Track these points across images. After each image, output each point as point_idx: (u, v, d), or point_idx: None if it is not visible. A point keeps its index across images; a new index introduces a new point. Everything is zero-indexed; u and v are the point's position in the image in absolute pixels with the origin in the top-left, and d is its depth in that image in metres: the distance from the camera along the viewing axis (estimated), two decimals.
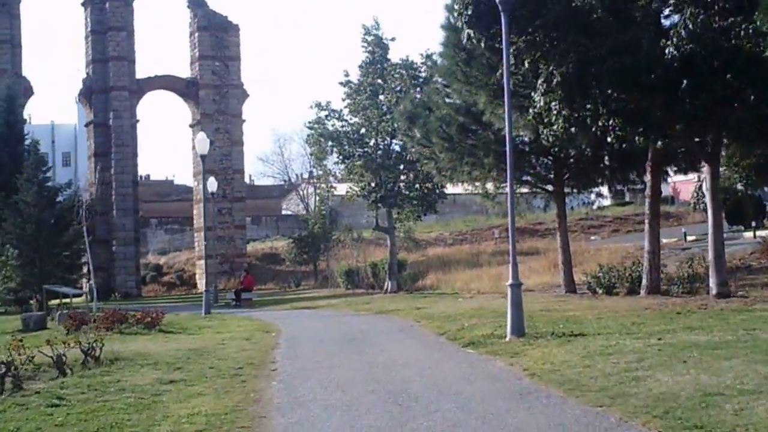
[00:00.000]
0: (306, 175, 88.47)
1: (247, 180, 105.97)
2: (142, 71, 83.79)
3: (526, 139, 39.14)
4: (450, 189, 55.67)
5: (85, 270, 65.95)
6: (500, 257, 63.85)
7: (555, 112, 28.41)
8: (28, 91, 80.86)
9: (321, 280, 69.76)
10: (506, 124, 24.33)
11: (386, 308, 39.01)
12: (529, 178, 41.82)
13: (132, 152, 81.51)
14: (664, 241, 52.09)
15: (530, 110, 30.33)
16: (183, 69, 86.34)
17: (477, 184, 42.56)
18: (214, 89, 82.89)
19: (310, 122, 53.45)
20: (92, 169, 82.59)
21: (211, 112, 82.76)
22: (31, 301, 48.09)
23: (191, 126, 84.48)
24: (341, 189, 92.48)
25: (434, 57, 43.79)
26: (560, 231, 41.03)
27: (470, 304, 38.30)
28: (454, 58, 36.36)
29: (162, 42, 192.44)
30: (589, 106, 28.24)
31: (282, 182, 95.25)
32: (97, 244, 78.67)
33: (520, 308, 23.55)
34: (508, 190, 25.33)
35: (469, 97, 37.65)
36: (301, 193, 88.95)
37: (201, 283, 77.68)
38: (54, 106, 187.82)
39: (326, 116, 53.08)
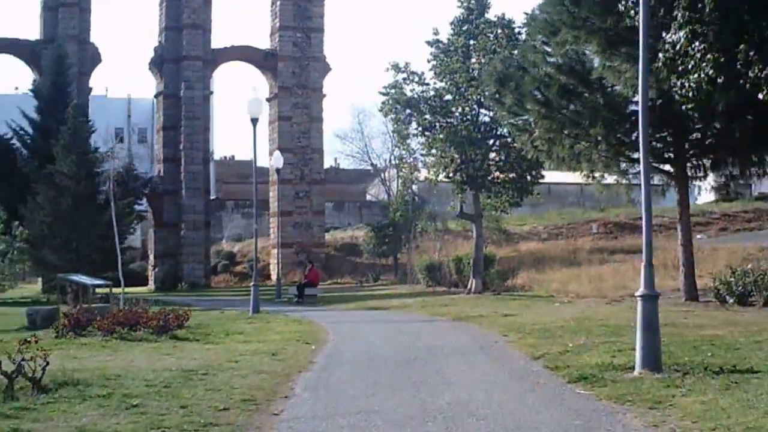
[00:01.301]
0: (387, 156, 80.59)
1: (332, 163, 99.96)
2: (217, 41, 77.55)
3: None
4: (546, 175, 47.57)
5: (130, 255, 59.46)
6: (599, 255, 56.57)
7: (698, 53, 20.34)
8: (95, 58, 74.85)
9: (401, 276, 62.06)
10: (640, 68, 16.28)
11: (467, 314, 31.38)
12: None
13: (203, 126, 74.99)
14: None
15: (660, 55, 22.30)
16: (261, 40, 79.27)
17: (580, 161, 34.33)
18: (294, 61, 76.03)
19: (385, 87, 45.87)
20: (161, 144, 76.11)
21: (290, 85, 75.86)
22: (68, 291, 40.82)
23: (268, 100, 77.17)
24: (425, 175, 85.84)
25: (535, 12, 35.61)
26: (681, 224, 32.86)
27: (570, 311, 30.72)
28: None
29: (240, 11, 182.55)
30: (741, 46, 20.24)
31: (368, 166, 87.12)
32: (164, 227, 73.08)
33: (656, 332, 15.85)
34: (641, 165, 17.22)
35: (576, 48, 29.88)
36: (382, 175, 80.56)
37: (275, 275, 70.68)
38: (132, 79, 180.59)
39: (404, 80, 45.44)
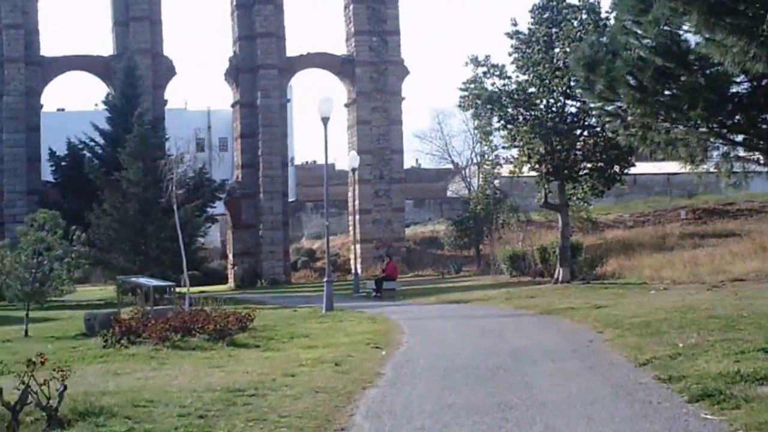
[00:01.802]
0: (468, 153, 77.27)
1: (413, 163, 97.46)
2: (292, 49, 74.66)
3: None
4: (633, 167, 44.07)
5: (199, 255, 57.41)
6: (690, 240, 53.26)
7: None
8: (170, 71, 72.56)
9: (483, 266, 58.81)
10: None
11: (555, 306, 28.15)
12: (743, 138, 30.16)
13: (281, 133, 72.32)
14: None
15: None
16: (337, 46, 76.64)
17: (677, 146, 30.87)
18: (371, 66, 72.87)
19: (464, 83, 42.13)
20: (239, 151, 73.82)
21: (368, 90, 72.75)
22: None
23: (346, 105, 74.87)
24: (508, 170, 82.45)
25: None
26: None
27: (668, 299, 27.52)
28: None
29: (314, 17, 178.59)
30: None
31: (448, 164, 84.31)
32: (243, 228, 71.24)
33: None
34: None
35: (671, 26, 26.41)
36: (463, 172, 77.50)
37: (358, 268, 68.16)
38: (211, 90, 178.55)
39: (485, 74, 41.88)
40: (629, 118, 30.36)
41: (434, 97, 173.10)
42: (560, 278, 39.53)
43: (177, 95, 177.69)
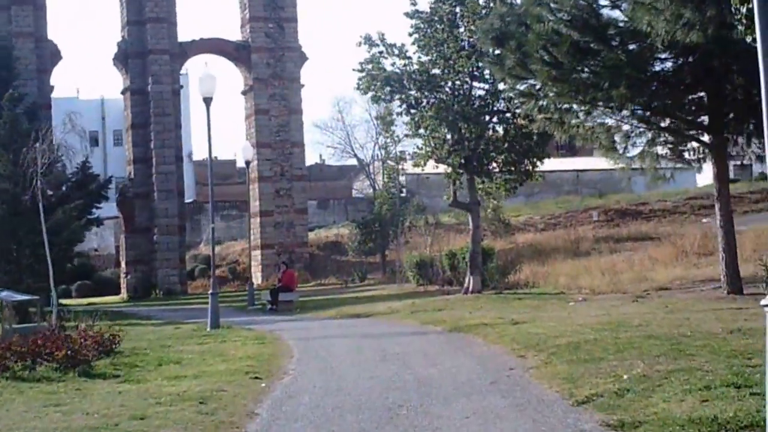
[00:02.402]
0: (372, 145, 73.08)
1: (316, 159, 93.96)
2: (186, 35, 71.24)
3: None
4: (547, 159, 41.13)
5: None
6: (606, 244, 50.42)
7: None
8: (55, 56, 68.12)
9: (389, 274, 55.59)
10: None
11: (466, 321, 25.02)
12: (674, 123, 27.38)
13: (174, 123, 68.21)
14: None
15: None
16: (233, 32, 72.93)
17: (599, 133, 27.94)
18: (268, 52, 69.51)
19: (361, 63, 38.55)
20: (130, 143, 69.57)
21: (265, 77, 69.30)
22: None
23: (243, 93, 71.45)
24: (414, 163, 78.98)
25: None
26: (720, 202, 26.54)
27: (592, 313, 24.74)
28: None
29: (209, 3, 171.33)
30: None
31: (351, 158, 79.93)
32: (137, 233, 67.17)
33: None
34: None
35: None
36: (367, 168, 73.40)
37: (257, 277, 64.89)
38: (104, 78, 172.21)
39: (381, 53, 38.49)
40: (542, 102, 27.61)
41: (336, 86, 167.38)
42: (471, 288, 36.46)
43: (69, 83, 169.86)
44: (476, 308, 29.63)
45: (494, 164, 38.34)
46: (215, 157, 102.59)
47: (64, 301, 66.58)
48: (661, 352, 15.23)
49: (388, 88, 37.80)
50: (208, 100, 30.71)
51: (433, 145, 37.85)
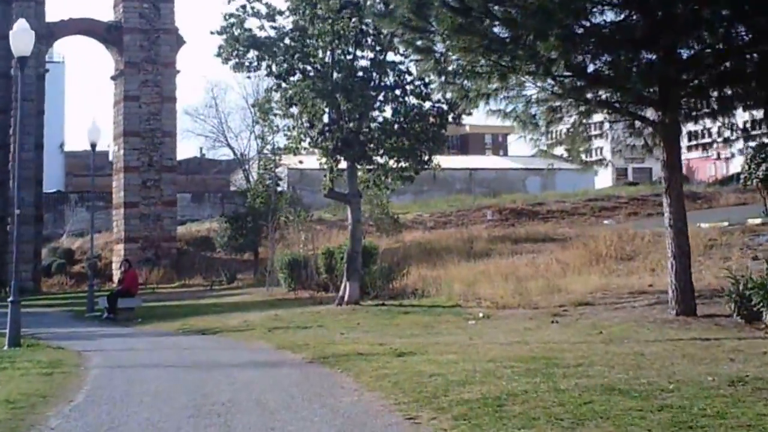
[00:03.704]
0: (248, 134, 65.08)
1: (194, 151, 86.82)
2: (54, 15, 63.08)
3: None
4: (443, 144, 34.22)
5: None
6: (501, 244, 44.53)
7: None
8: None
9: (261, 275, 48.26)
10: None
11: (335, 347, 18.30)
12: (615, 98, 20.71)
13: (36, 109, 60.22)
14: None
15: None
16: (105, 12, 65.25)
17: (516, 102, 21.19)
18: (142, 34, 62.04)
19: (223, 25, 30.59)
20: None
21: (138, 60, 61.87)
22: None
23: (113, 78, 63.91)
24: (305, 160, 71.24)
25: None
26: (670, 196, 19.92)
27: (501, 338, 18.74)
28: None
29: None
30: None
31: (223, 146, 71.52)
32: None
33: None
34: None
35: None
36: (241, 158, 65.26)
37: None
38: None
39: (244, 10, 31.15)
40: (446, 59, 21.09)
41: (211, 71, 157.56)
42: (347, 297, 29.48)
43: None
44: (351, 326, 23.07)
45: (381, 150, 31.33)
46: (85, 150, 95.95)
47: None
48: (649, 426, 8.71)
49: (254, 53, 30.67)
50: (22, 62, 24.00)
51: (306, 124, 30.74)
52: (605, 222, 55.74)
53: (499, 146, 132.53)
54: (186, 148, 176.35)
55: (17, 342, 21.66)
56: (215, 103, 66.39)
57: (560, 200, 65.26)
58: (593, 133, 23.19)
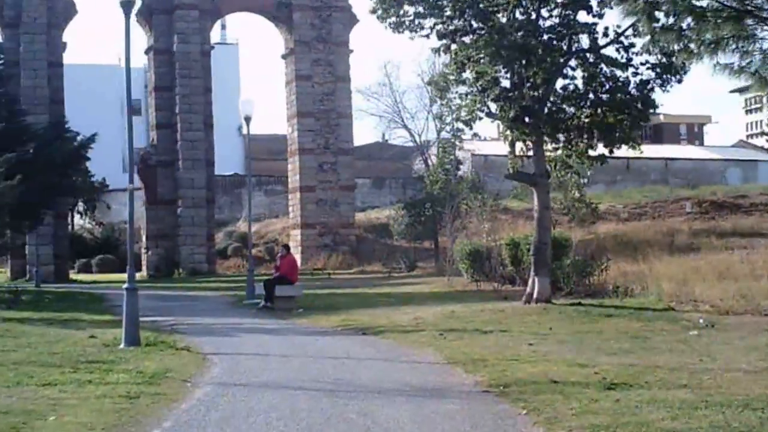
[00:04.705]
0: (425, 115, 59.93)
1: (369, 136, 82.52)
2: None
3: None
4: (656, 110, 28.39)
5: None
6: (706, 239, 39.53)
7: None
8: (70, 10, 57.56)
9: (442, 264, 43.53)
10: None
11: (521, 369, 13.44)
12: None
13: (203, 86, 57.04)
14: None
15: None
16: None
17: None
18: (313, 11, 58.29)
19: None
20: (153, 108, 58.55)
21: (309, 39, 58.09)
22: None
23: (283, 57, 60.33)
24: (486, 147, 66.12)
25: None
26: None
27: (740, 361, 14.36)
28: None
29: None
30: None
31: (398, 128, 65.98)
32: (160, 205, 56.43)
33: None
34: None
35: None
36: (418, 140, 60.16)
37: (297, 259, 54.35)
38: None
39: None
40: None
41: (388, 53, 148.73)
42: (535, 293, 24.38)
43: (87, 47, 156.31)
44: (541, 332, 18.23)
45: (571, 124, 25.98)
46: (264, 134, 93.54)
47: (79, 277, 57.20)
48: None
49: (413, 9, 25.64)
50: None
51: (481, 90, 25.46)
52: None
53: (695, 137, 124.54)
54: (360, 132, 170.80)
55: (135, 340, 17.62)
56: (389, 81, 61.62)
57: (765, 192, 58.74)
58: None
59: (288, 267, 28.67)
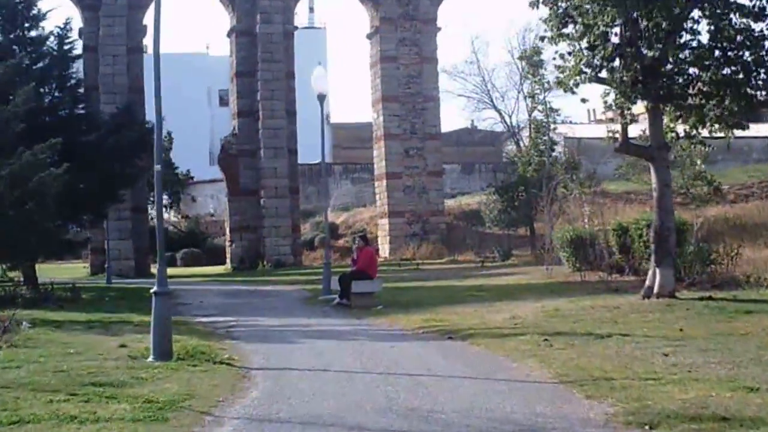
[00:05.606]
0: (516, 94, 55.43)
1: (456, 119, 78.78)
2: None
3: None
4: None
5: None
6: None
7: None
8: None
9: (539, 252, 39.43)
10: None
11: (665, 397, 9.51)
12: None
13: (286, 71, 52.92)
14: None
15: None
16: None
17: None
18: None
19: None
20: (235, 94, 54.55)
21: (395, 16, 53.86)
22: None
23: (368, 37, 56.34)
24: (579, 131, 61.52)
25: None
26: None
27: None
28: None
29: None
30: None
31: (486, 108, 61.32)
32: (242, 195, 52.70)
33: None
34: None
35: None
36: (508, 120, 55.74)
37: (384, 250, 51.49)
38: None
39: None
40: None
41: (472, 29, 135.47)
42: (656, 287, 20.16)
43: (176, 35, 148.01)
44: (672, 338, 14.13)
45: (696, 86, 21.67)
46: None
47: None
48: None
49: None
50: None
51: (590, 47, 21.23)
52: None
53: None
54: (446, 116, 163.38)
55: (165, 352, 13.97)
56: (476, 58, 57.37)
57: None
58: None
59: (366, 260, 24.82)
